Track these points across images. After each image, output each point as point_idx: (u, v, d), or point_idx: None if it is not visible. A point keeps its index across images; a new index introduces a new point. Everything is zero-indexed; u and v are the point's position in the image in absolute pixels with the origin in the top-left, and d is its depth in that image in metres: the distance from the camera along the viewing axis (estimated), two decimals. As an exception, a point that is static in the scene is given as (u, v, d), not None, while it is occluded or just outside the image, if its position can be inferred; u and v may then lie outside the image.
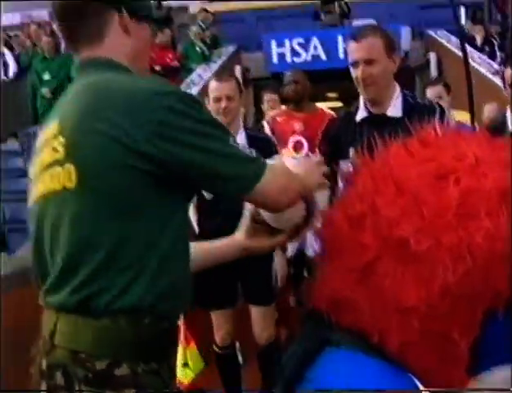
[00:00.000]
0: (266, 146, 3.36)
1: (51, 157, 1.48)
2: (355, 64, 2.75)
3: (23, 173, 7.97)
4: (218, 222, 2.98)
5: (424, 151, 1.44)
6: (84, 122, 1.44)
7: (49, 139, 1.51)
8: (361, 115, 2.86)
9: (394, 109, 2.81)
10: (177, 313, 1.59)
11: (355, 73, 2.76)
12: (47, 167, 1.50)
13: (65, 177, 1.44)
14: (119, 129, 1.39)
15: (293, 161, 1.80)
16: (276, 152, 3.55)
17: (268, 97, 5.83)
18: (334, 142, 2.95)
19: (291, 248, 4.40)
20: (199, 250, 1.72)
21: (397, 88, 2.87)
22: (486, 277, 1.25)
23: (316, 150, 4.72)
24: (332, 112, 5.09)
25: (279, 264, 3.73)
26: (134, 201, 1.43)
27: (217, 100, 3.39)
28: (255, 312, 3.55)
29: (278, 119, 4.99)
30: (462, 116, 5.38)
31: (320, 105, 5.64)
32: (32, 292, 1.63)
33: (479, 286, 1.25)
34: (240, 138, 3.42)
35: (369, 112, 2.84)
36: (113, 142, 1.40)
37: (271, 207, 1.58)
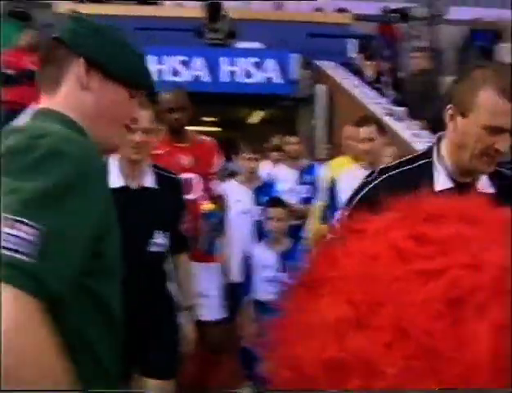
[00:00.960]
0: (175, 187, 3.22)
1: None
2: (496, 130, 2.02)
3: None
4: None
5: (420, 251, 1.15)
6: None
7: None
8: (444, 184, 2.18)
9: (484, 181, 2.21)
10: None
11: (491, 140, 2.03)
12: None
13: None
14: None
15: None
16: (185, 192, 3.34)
17: None
18: None
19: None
20: None
21: None
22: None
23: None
24: (213, 140, 4.56)
25: (187, 328, 3.39)
26: None
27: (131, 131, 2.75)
28: (153, 387, 3.08)
29: (157, 151, 4.09)
30: (343, 161, 5.08)
31: (194, 129, 4.95)
32: None
33: None
34: (149, 180, 3.08)
35: (454, 181, 2.19)
36: None
37: None
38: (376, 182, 2.24)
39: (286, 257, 4.64)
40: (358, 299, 1.12)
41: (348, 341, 1.07)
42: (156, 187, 3.05)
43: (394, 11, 13.03)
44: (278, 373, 1.21)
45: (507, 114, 2.01)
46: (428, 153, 2.25)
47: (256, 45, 11.50)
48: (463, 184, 2.17)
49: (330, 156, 7.00)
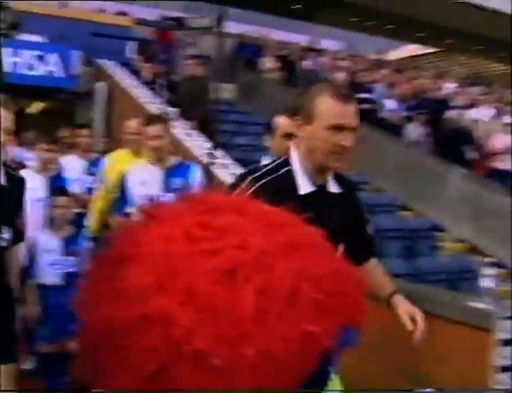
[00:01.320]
0: (20, 185, 3.19)
1: None
2: (339, 128, 2.26)
3: None
4: None
5: (204, 234, 1.40)
6: None
7: None
8: (306, 188, 2.37)
9: (332, 183, 2.45)
10: None
11: (336, 138, 2.26)
12: None
13: None
14: None
15: None
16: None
17: None
18: None
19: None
20: None
21: None
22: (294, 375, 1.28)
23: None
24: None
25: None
26: None
27: None
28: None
29: None
30: (123, 155, 5.29)
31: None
32: None
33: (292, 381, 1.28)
34: (1, 178, 3.04)
35: (314, 184, 2.39)
36: None
37: None
38: (252, 189, 2.26)
39: (69, 242, 4.83)
40: (158, 270, 1.30)
41: (151, 301, 1.26)
42: (6, 184, 3.07)
43: (172, 19, 13.68)
44: (91, 329, 1.36)
45: (343, 113, 2.25)
46: (287, 162, 2.40)
47: (38, 38, 11.61)
48: (320, 186, 2.37)
49: (107, 149, 7.17)
